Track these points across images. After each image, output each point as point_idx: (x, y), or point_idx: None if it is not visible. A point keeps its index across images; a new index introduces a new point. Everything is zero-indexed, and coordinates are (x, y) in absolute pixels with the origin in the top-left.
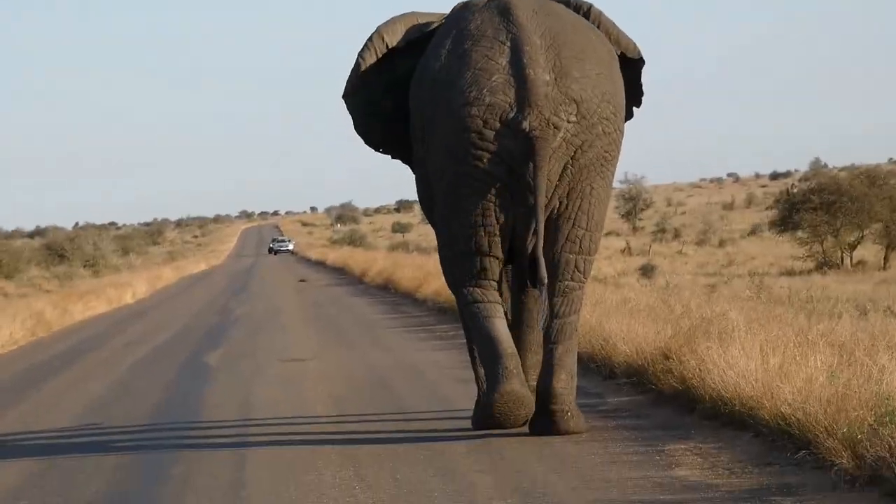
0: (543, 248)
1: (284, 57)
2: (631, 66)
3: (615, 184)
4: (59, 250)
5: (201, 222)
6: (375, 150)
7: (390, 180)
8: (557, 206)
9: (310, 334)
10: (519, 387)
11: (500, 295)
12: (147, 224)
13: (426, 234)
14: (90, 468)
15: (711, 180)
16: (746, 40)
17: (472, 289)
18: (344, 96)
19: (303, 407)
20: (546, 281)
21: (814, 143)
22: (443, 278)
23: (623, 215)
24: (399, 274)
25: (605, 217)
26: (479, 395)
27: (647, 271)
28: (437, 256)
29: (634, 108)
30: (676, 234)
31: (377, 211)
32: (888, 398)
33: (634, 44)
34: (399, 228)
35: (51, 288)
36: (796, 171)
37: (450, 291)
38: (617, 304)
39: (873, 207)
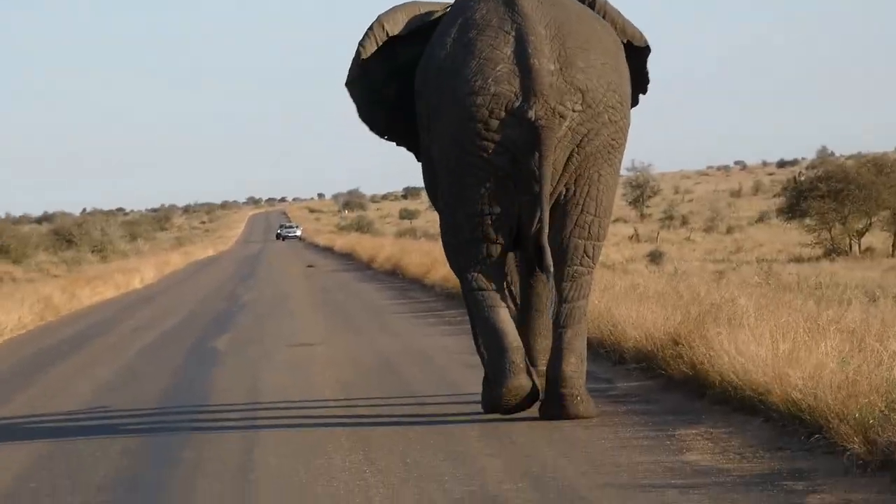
0: (552, 233)
1: (285, 54)
2: (637, 54)
3: (622, 171)
4: (66, 236)
5: (209, 208)
6: (381, 138)
7: (398, 167)
8: (564, 192)
9: (318, 319)
10: (525, 381)
11: (509, 278)
12: (154, 210)
13: (434, 221)
14: (98, 452)
15: (718, 168)
16: (747, 40)
17: (476, 275)
18: (346, 84)
19: (311, 391)
20: (551, 269)
21: (819, 137)
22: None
23: (631, 202)
24: (407, 260)
25: (613, 203)
26: (484, 375)
27: (655, 258)
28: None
29: (640, 96)
30: (684, 221)
31: (384, 197)
32: None
33: (640, 32)
34: (406, 215)
35: (59, 273)
36: (803, 159)
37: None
38: (626, 290)
39: (881, 195)
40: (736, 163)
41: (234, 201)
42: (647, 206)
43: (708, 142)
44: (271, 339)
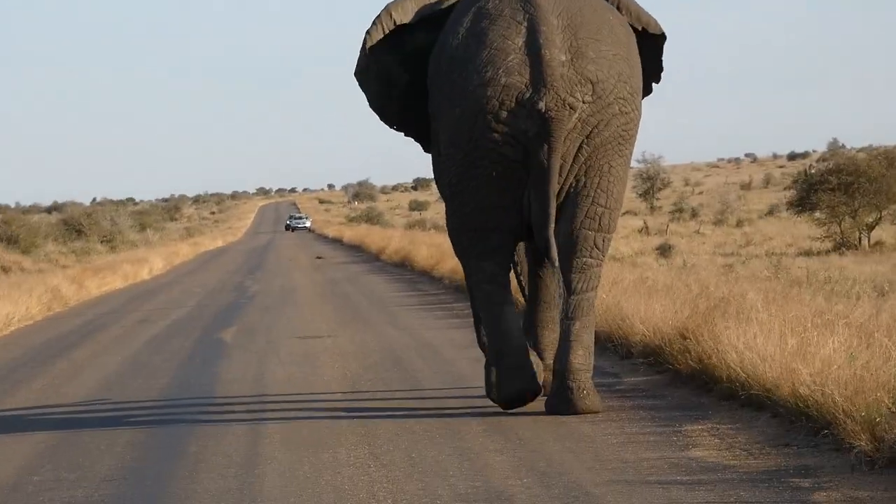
0: (562, 224)
1: (297, 44)
2: (652, 41)
3: (632, 163)
4: (76, 226)
5: (219, 198)
6: (390, 127)
7: (407, 158)
8: (575, 183)
9: (326, 312)
10: (529, 384)
11: (519, 268)
12: (164, 200)
13: (443, 213)
14: (104, 444)
15: (729, 160)
16: (759, 32)
17: (483, 265)
18: (355, 74)
19: (318, 384)
20: (556, 262)
21: (830, 130)
22: None
23: (641, 195)
24: (416, 252)
25: (624, 195)
26: (486, 360)
27: (664, 251)
28: None
29: (654, 85)
30: (694, 214)
31: (394, 189)
32: None
33: (655, 20)
34: (416, 206)
35: (68, 263)
36: (814, 151)
37: None
38: (634, 284)
39: (892, 188)
40: (746, 155)
41: (245, 192)
42: (657, 199)
43: (718, 134)
44: (278, 331)
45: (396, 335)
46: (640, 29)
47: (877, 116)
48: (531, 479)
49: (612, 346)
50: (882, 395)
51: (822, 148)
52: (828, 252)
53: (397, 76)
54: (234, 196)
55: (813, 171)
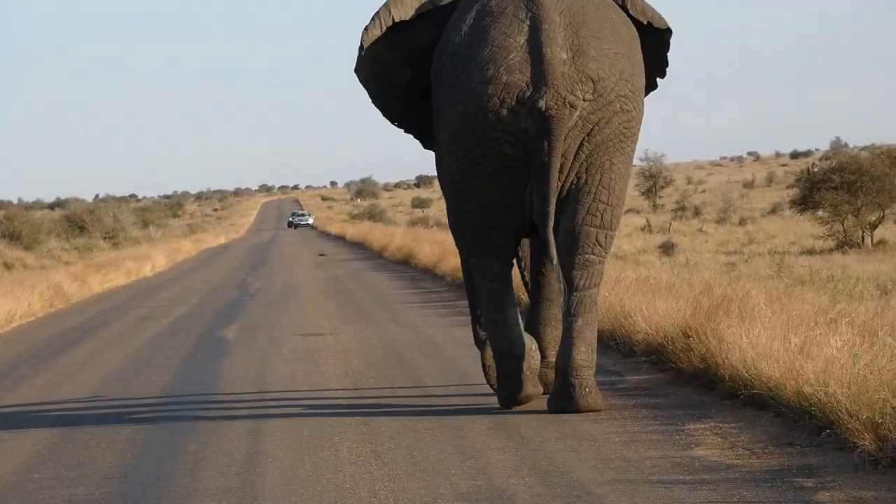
0: (565, 222)
1: (298, 42)
2: (658, 36)
3: (635, 161)
4: (79, 222)
5: (221, 195)
6: (393, 124)
7: (410, 156)
8: (576, 181)
9: (328, 309)
10: (530, 389)
11: (523, 264)
12: (167, 197)
13: (446, 210)
14: (105, 441)
15: (732, 159)
16: (761, 32)
17: (484, 263)
18: (355, 70)
19: (320, 382)
20: (555, 260)
21: (833, 128)
22: None
23: (643, 193)
24: (418, 249)
25: (626, 193)
26: (482, 357)
27: (667, 249)
28: None
29: (658, 80)
30: (697, 212)
31: (397, 186)
32: None
33: (661, 15)
34: (419, 204)
35: (70, 260)
36: (817, 150)
37: None
38: (637, 282)
39: (895, 187)
40: (749, 153)
41: (247, 188)
42: (660, 197)
43: (721, 132)
44: (281, 328)
45: (399, 332)
46: (645, 23)
47: (880, 115)
48: (533, 478)
49: (614, 344)
50: (886, 395)
51: (824, 146)
52: (830, 251)
53: (398, 76)
54: (237, 193)
55: (816, 169)
